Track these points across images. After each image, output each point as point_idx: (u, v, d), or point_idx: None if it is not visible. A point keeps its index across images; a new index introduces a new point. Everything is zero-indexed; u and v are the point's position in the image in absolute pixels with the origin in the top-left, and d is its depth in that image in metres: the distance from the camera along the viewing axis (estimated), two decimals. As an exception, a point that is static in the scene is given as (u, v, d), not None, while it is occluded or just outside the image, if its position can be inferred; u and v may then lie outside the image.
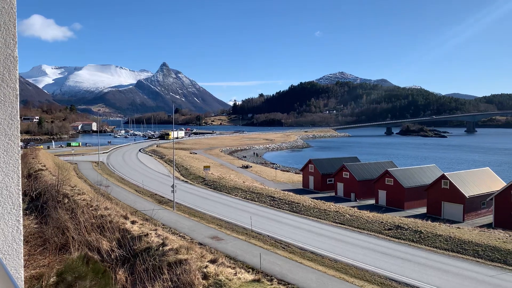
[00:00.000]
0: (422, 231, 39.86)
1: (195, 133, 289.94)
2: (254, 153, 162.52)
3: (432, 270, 30.65)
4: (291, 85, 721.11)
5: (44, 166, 65.47)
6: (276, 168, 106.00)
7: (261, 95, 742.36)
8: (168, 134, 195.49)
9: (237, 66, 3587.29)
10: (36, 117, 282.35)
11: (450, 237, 37.65)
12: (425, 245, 37.51)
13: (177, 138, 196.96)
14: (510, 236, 37.58)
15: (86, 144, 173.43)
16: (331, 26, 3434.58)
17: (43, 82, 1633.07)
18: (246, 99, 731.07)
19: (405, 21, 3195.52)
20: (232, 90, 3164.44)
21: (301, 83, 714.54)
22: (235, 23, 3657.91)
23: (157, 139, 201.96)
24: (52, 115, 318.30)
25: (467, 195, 50.94)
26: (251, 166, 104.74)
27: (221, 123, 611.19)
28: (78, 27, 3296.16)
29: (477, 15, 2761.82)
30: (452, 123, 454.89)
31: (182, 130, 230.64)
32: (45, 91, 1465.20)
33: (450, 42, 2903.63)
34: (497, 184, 55.34)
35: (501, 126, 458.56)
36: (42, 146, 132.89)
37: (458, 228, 41.13)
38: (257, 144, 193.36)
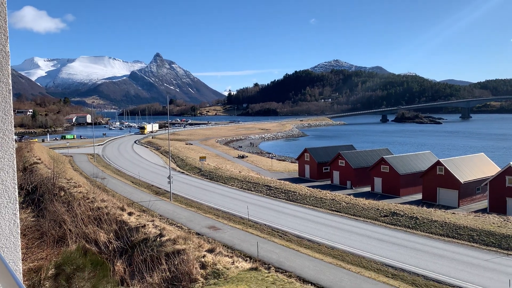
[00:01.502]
0: (418, 217, 40.20)
1: (190, 124, 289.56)
2: (250, 143, 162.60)
3: (428, 255, 30.99)
4: (286, 74, 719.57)
5: (39, 159, 65.29)
6: (272, 158, 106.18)
7: (256, 84, 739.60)
8: (143, 128, 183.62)
9: (231, 55, 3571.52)
10: (30, 110, 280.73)
11: (446, 222, 38.01)
12: (420, 231, 37.86)
13: (151, 132, 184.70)
14: (504, 220, 37.98)
15: (81, 136, 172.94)
16: (326, 14, 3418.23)
17: (35, 75, 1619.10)
18: (241, 89, 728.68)
19: (401, 9, 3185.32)
20: (227, 80, 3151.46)
21: (296, 71, 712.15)
22: (228, 12, 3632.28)
23: (132, 134, 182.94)
24: (45, 108, 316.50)
25: (462, 180, 51.31)
26: (247, 156, 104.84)
27: (216, 114, 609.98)
28: (71, 19, 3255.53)
29: (474, 3, 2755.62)
30: (447, 109, 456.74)
31: (156, 123, 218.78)
32: (38, 83, 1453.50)
33: (446, 29, 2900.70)
34: (491, 169, 55.77)
35: (496, 112, 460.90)
36: (36, 139, 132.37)
37: (453, 213, 41.50)
38: (253, 134, 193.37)
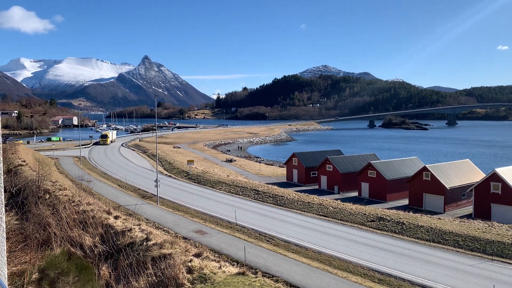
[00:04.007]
0: (404, 222, 40.46)
1: (178, 127, 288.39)
2: (238, 147, 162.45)
3: (414, 260, 31.18)
4: (275, 79, 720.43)
5: (24, 161, 64.31)
6: (260, 162, 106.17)
7: (244, 88, 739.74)
8: (106, 137, 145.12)
9: (220, 59, 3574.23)
10: (15, 111, 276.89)
11: (431, 228, 38.32)
12: (407, 236, 38.10)
13: (112, 142, 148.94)
14: (489, 226, 38.44)
15: (66, 139, 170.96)
16: (317, 19, 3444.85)
17: (21, 76, 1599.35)
18: (229, 93, 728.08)
19: (389, 16, 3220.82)
20: (216, 84, 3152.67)
21: (284, 76, 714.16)
22: (218, 16, 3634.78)
23: (93, 145, 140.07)
24: (31, 109, 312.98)
25: (447, 186, 51.86)
26: (235, 160, 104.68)
27: (204, 117, 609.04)
28: (60, 20, 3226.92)
29: (461, 16, 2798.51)
30: (433, 115, 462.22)
31: (115, 129, 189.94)
32: (24, 84, 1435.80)
33: (432, 36, 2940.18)
34: (477, 175, 56.48)
35: (481, 118, 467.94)
36: (21, 141, 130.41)
37: (439, 219, 41.86)
38: (241, 138, 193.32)
